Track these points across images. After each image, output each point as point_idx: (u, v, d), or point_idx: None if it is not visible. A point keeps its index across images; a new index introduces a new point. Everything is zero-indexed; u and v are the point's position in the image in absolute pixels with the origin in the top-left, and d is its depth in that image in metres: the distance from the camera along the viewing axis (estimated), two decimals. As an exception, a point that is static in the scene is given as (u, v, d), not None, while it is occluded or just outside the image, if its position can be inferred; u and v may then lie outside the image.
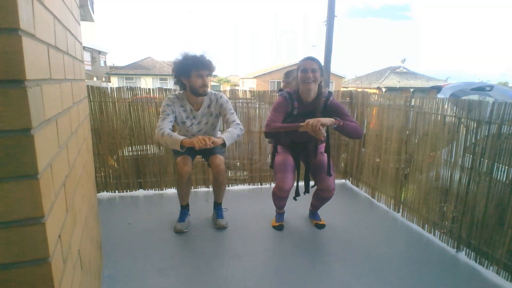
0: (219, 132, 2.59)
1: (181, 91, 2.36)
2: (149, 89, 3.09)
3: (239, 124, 2.31)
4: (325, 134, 2.24)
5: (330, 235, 2.43)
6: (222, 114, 2.38)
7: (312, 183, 2.37)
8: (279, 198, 2.31)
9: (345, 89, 4.42)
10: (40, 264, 0.68)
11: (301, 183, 2.39)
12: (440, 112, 2.33)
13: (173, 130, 2.29)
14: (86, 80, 1.83)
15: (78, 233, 1.09)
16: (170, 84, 25.43)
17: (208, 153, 2.42)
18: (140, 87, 3.04)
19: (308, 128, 1.91)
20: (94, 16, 14.35)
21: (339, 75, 26.62)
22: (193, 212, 2.61)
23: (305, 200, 2.56)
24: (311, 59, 2.10)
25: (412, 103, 2.61)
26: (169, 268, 1.96)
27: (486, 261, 2.00)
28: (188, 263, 2.03)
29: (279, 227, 2.48)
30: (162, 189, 3.25)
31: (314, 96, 2.14)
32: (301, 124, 1.96)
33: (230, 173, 3.41)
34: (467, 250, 2.14)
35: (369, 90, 5.26)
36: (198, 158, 2.86)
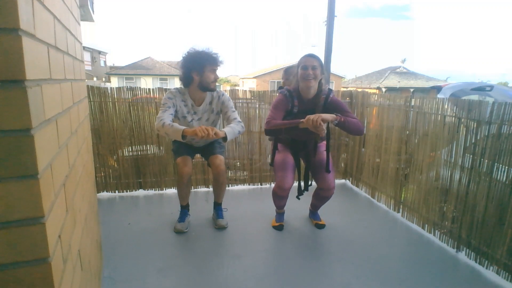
0: None
1: (183, 87, 2.34)
2: (149, 89, 3.09)
3: (240, 122, 2.30)
4: (325, 130, 2.23)
5: (330, 235, 2.43)
6: (223, 112, 2.37)
7: (311, 182, 2.36)
8: (279, 197, 2.31)
9: (345, 89, 4.42)
10: (40, 264, 0.68)
11: (302, 182, 2.39)
12: (440, 112, 2.33)
13: None
14: (86, 80, 1.82)
15: (78, 233, 1.08)
16: (170, 84, 25.45)
17: (208, 153, 2.42)
18: (140, 87, 3.05)
19: (308, 124, 1.89)
20: (94, 16, 14.37)
21: (339, 75, 26.62)
22: (193, 212, 2.61)
23: (305, 200, 2.56)
24: (311, 56, 2.08)
25: (412, 103, 2.61)
26: (169, 268, 1.96)
27: (486, 261, 2.00)
28: (188, 263, 2.03)
29: (279, 227, 2.48)
30: (162, 189, 3.25)
31: (314, 94, 2.13)
32: (301, 120, 1.94)
33: (230, 173, 3.41)
34: (467, 250, 2.14)
35: (369, 90, 5.26)
36: (198, 158, 2.86)
